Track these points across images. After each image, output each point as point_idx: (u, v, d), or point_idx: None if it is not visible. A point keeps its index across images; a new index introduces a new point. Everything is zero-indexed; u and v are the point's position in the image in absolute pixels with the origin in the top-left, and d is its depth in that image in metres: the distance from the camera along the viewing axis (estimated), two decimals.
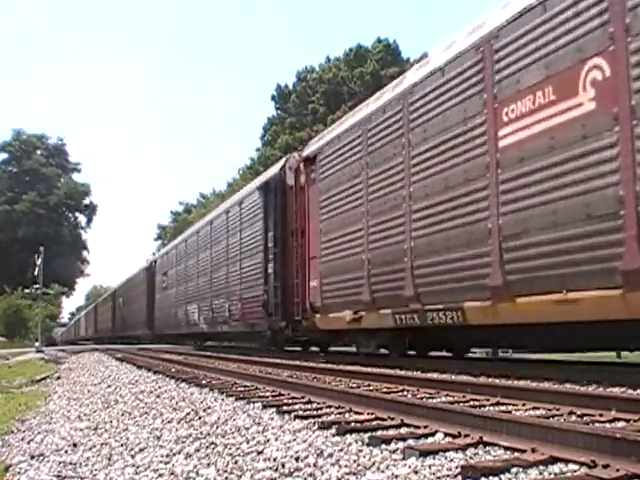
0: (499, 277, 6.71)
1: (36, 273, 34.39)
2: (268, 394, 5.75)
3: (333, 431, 3.67)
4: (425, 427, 3.57)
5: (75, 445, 4.31)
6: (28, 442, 4.73)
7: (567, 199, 5.92)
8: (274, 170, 13.75)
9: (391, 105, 8.94)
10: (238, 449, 3.50)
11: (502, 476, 2.56)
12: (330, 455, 3.13)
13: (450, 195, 7.52)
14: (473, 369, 7.29)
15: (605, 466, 2.53)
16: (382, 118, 9.11)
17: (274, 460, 3.14)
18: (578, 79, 5.82)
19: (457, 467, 2.71)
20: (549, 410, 4.20)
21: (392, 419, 3.89)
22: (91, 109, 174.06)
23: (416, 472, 2.72)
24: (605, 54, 5.60)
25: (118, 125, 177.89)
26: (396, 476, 2.70)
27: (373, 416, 4.08)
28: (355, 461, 2.97)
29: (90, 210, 71.47)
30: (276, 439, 3.65)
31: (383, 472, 2.78)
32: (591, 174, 5.70)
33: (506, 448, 3.00)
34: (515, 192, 6.54)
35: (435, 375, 6.96)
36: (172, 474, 3.14)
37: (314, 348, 13.96)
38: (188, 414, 4.97)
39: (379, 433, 3.48)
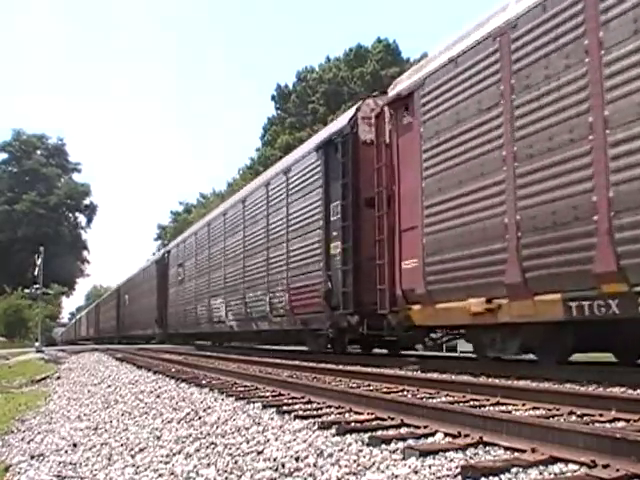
0: None
1: (36, 273, 34.36)
2: (268, 394, 5.75)
3: (333, 431, 3.67)
4: (425, 427, 3.56)
5: (75, 445, 4.31)
6: (28, 442, 4.73)
7: None
8: (340, 123, 10.78)
9: None
10: (238, 449, 3.50)
11: (502, 476, 2.56)
12: (330, 455, 3.13)
13: None
14: (473, 369, 7.29)
15: (605, 466, 2.53)
16: (546, 16, 6.31)
17: (274, 460, 3.14)
18: None
19: (457, 467, 2.71)
20: (549, 410, 4.20)
21: (392, 419, 3.89)
22: (91, 109, 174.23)
23: (416, 472, 2.72)
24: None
25: (118, 125, 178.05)
26: (396, 476, 2.70)
27: (373, 416, 4.08)
28: (355, 461, 2.97)
29: (90, 210, 71.61)
30: (276, 439, 3.65)
31: (383, 472, 2.78)
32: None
33: (506, 448, 3.00)
34: None
35: (435, 375, 6.97)
36: (172, 474, 3.14)
37: (380, 350, 12.02)
38: (188, 414, 4.97)
39: (379, 433, 3.48)
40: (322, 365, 9.14)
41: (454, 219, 7.47)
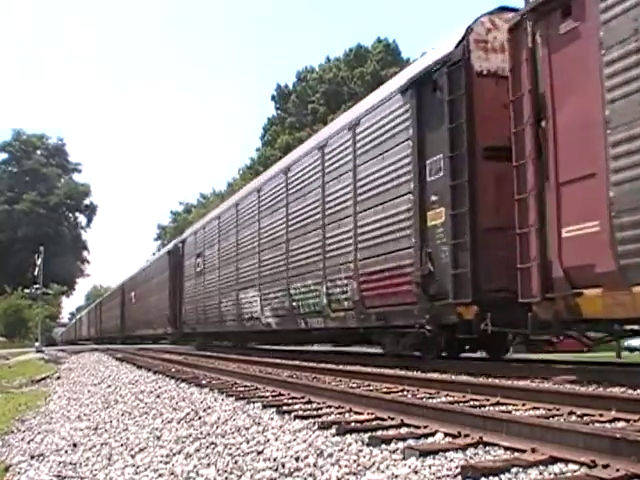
0: None
1: (36, 273, 34.41)
2: (268, 394, 5.75)
3: (333, 431, 3.67)
4: (425, 427, 3.56)
5: (75, 445, 4.31)
6: (28, 442, 4.73)
7: None
8: (442, 51, 8.08)
9: None
10: (238, 449, 3.50)
11: (502, 476, 2.56)
12: (330, 455, 3.13)
13: None
14: (473, 369, 7.28)
15: (605, 466, 2.53)
16: None
17: (274, 460, 3.14)
18: None
19: (457, 467, 2.71)
20: (549, 410, 4.20)
21: (392, 419, 3.89)
22: (91, 109, 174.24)
23: (416, 472, 2.72)
24: None
25: (118, 125, 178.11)
26: (396, 476, 2.70)
27: (373, 416, 4.08)
28: (355, 461, 2.97)
29: (90, 210, 71.72)
30: (276, 439, 3.65)
31: (383, 472, 2.78)
32: None
33: (506, 448, 3.00)
34: None
35: (435, 375, 6.96)
36: (172, 474, 3.14)
37: (472, 354, 9.48)
38: (188, 414, 4.97)
39: (379, 433, 3.48)
40: (322, 365, 9.14)
41: None
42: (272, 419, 4.34)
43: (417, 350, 8.76)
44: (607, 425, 3.60)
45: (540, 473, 2.62)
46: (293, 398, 5.35)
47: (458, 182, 7.43)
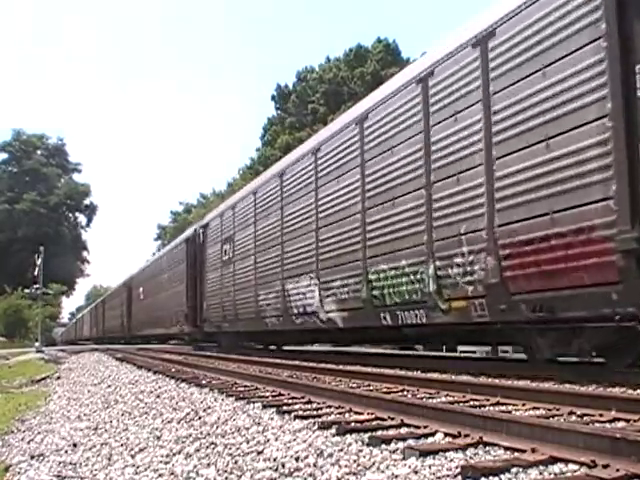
0: None
1: (36, 273, 34.39)
2: (268, 394, 5.75)
3: (333, 431, 3.67)
4: (425, 427, 3.56)
5: (75, 445, 4.31)
6: (28, 442, 4.73)
7: None
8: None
9: None
10: (238, 449, 3.50)
11: (502, 476, 2.56)
12: (330, 455, 3.13)
13: None
14: (473, 369, 7.28)
15: (605, 466, 2.53)
16: None
17: (274, 460, 3.14)
18: None
19: (457, 467, 2.71)
20: (549, 410, 4.20)
21: (392, 419, 3.89)
22: (91, 109, 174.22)
23: (416, 472, 2.72)
24: None
25: (118, 125, 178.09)
26: (396, 476, 2.70)
27: (373, 416, 4.08)
28: (355, 461, 2.97)
29: (90, 210, 71.70)
30: (276, 439, 3.65)
31: (383, 472, 2.78)
32: None
33: (506, 448, 3.00)
34: None
35: (435, 375, 6.96)
36: (172, 474, 3.14)
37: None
38: (188, 414, 4.97)
39: (379, 433, 3.48)
40: (322, 365, 9.13)
41: None
42: (272, 419, 4.34)
43: (600, 355, 6.48)
44: (607, 425, 3.60)
45: (540, 473, 2.62)
46: (293, 398, 5.35)
47: None
